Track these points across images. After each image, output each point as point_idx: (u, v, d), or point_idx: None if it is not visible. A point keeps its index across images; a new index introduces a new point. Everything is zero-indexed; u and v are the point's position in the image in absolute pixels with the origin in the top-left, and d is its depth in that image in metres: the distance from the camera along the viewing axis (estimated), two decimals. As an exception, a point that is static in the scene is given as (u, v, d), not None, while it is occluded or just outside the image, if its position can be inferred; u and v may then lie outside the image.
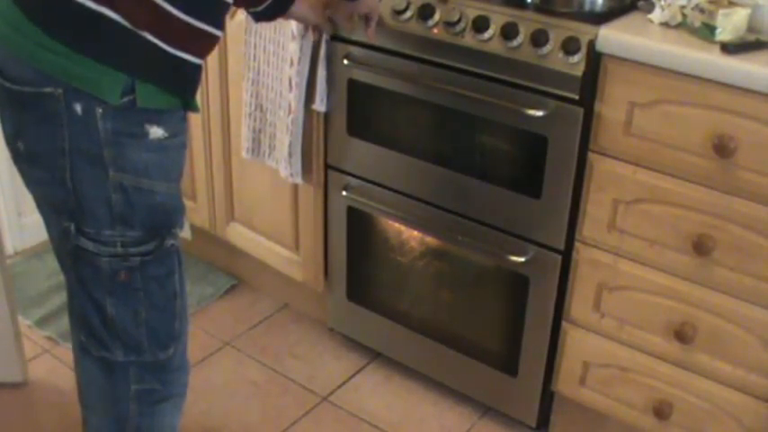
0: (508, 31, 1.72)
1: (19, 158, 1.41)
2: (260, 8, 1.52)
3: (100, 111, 1.28)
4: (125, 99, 1.28)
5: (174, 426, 1.64)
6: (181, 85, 1.37)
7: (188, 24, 1.30)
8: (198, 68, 1.38)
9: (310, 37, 1.96)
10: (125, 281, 1.41)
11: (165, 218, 1.41)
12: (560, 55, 1.67)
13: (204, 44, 1.37)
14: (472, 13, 1.77)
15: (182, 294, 1.50)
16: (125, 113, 1.30)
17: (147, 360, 1.50)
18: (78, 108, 1.27)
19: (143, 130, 1.32)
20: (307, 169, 2.15)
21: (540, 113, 1.72)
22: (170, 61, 1.31)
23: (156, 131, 1.33)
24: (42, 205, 1.46)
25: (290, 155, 2.10)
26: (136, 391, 1.52)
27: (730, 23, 1.58)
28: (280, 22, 1.97)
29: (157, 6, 1.25)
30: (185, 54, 1.33)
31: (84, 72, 1.26)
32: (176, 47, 1.30)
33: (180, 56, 1.32)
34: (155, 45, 1.28)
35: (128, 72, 1.27)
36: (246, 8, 1.58)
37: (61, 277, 1.52)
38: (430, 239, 2.08)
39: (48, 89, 1.27)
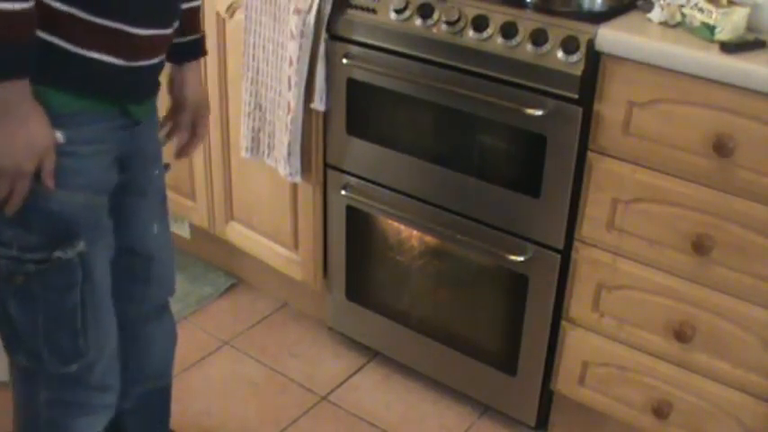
0: (507, 31, 1.72)
1: None
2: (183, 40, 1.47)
3: None
4: None
5: None
6: (94, 88, 1.28)
7: (90, 23, 1.22)
8: (120, 70, 1.28)
9: (310, 35, 1.96)
10: (22, 286, 1.35)
11: (64, 228, 1.33)
12: (559, 54, 1.67)
13: (114, 43, 1.27)
14: (471, 13, 1.77)
15: (90, 311, 1.41)
16: None
17: (51, 371, 1.43)
18: None
19: None
20: (306, 168, 2.14)
21: (539, 113, 1.72)
22: (75, 62, 1.23)
23: (57, 136, 1.25)
24: None
25: (289, 154, 2.10)
26: (47, 399, 1.47)
27: (729, 23, 1.58)
28: (279, 19, 1.97)
29: (50, 7, 1.19)
30: (94, 53, 1.25)
31: None
32: (81, 46, 1.23)
33: (88, 56, 1.24)
34: (53, 45, 1.21)
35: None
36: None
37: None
38: (429, 239, 2.07)
39: None
